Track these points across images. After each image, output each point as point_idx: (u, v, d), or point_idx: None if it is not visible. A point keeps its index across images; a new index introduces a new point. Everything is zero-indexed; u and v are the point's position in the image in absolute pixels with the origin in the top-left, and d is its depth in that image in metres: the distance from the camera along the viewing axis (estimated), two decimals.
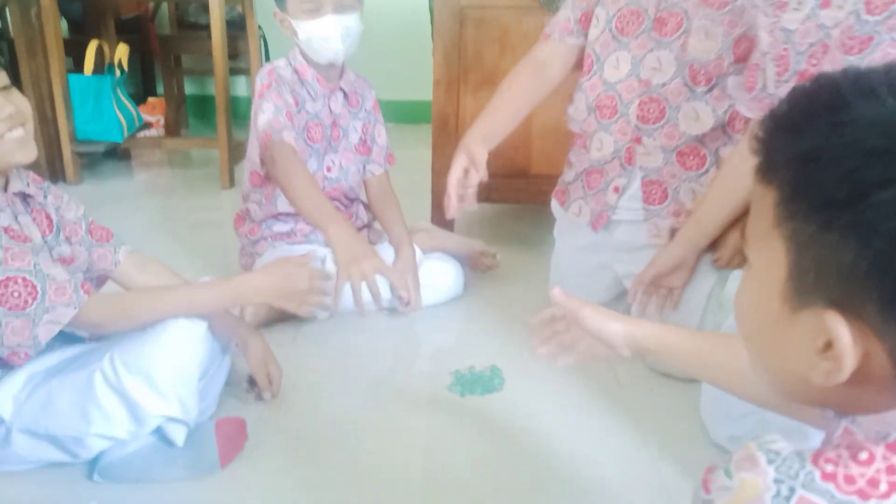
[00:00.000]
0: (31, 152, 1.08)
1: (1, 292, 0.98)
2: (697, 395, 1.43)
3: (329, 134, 1.79)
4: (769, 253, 0.47)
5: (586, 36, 1.57)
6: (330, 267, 1.66)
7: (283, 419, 1.37)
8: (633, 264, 1.58)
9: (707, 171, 1.48)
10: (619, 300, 1.71)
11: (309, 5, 1.61)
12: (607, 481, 1.22)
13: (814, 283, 0.44)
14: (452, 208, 1.50)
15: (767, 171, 0.47)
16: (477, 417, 1.39)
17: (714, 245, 1.46)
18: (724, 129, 1.46)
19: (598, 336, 0.94)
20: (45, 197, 1.18)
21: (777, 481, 0.41)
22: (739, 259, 1.57)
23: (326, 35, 1.64)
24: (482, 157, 1.48)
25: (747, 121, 1.45)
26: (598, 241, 1.61)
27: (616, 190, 1.54)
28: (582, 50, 1.59)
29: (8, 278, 0.98)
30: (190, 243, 2.26)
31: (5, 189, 1.10)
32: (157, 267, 1.32)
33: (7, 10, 2.62)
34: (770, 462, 0.42)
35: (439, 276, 1.87)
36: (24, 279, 1.00)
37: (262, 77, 1.71)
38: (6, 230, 1.04)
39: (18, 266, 1.00)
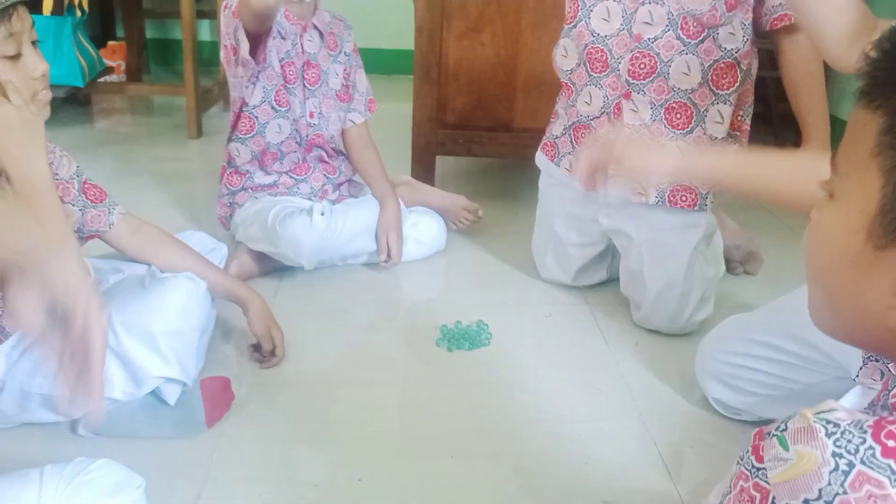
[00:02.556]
0: (47, 113, 1.03)
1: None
2: (683, 351, 1.45)
3: (303, 75, 1.71)
4: (861, 184, 0.45)
5: None
6: (318, 219, 1.62)
7: (267, 374, 1.34)
8: (618, 219, 1.57)
9: (692, 130, 1.47)
10: (604, 254, 1.71)
11: None
12: (593, 435, 1.22)
13: None
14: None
15: (876, 94, 0.44)
16: (465, 372, 1.39)
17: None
18: (710, 87, 1.45)
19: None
20: None
21: (836, 455, 0.40)
22: None
23: None
24: None
25: (734, 79, 1.44)
26: (586, 196, 1.60)
27: None
28: None
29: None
30: (156, 194, 2.19)
31: None
32: (153, 230, 1.26)
33: None
34: (829, 435, 0.40)
35: (422, 230, 1.84)
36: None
37: (226, 14, 1.58)
38: None
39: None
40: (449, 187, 2.07)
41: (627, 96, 1.48)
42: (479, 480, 1.11)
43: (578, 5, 1.51)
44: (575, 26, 1.52)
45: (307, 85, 1.72)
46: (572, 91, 1.57)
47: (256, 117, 1.69)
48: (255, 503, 1.04)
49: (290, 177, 1.77)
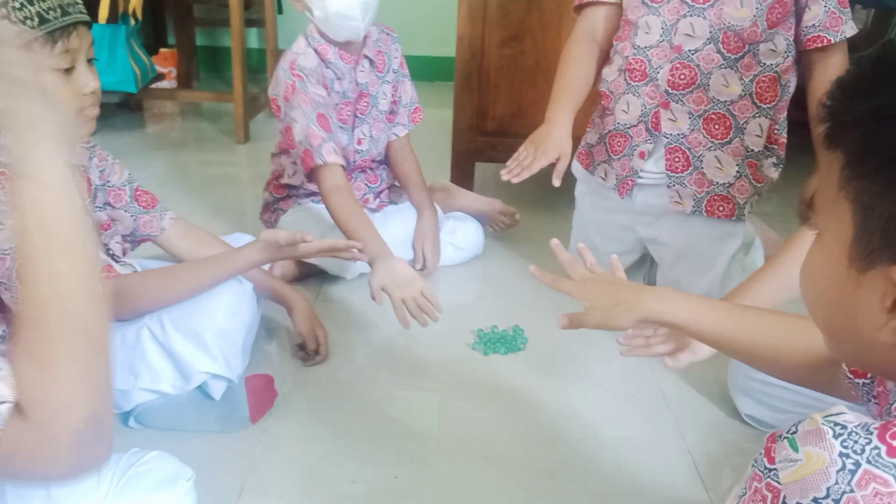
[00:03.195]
0: (92, 128, 1.09)
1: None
2: (719, 360, 1.44)
3: (356, 107, 1.74)
4: (835, 217, 0.49)
5: None
6: None
7: (308, 374, 1.39)
8: (655, 228, 1.58)
9: (730, 141, 1.47)
10: (641, 262, 1.72)
11: None
12: (627, 441, 1.24)
13: (880, 242, 0.45)
14: (515, 174, 1.46)
15: (834, 135, 0.49)
16: (500, 376, 1.41)
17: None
18: (753, 99, 1.45)
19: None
20: (90, 159, 1.17)
21: (843, 455, 0.42)
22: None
23: (345, 12, 1.53)
24: (569, 156, 1.49)
25: (775, 93, 1.44)
26: (622, 204, 1.61)
27: (642, 155, 1.54)
28: (619, 11, 1.56)
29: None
30: (204, 198, 2.26)
31: None
32: (201, 234, 1.32)
33: None
34: (836, 436, 0.43)
35: (460, 235, 1.87)
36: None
37: (284, 74, 1.62)
38: None
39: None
40: (488, 194, 2.09)
41: (666, 105, 1.49)
42: (512, 483, 1.14)
43: (631, 27, 1.52)
44: (623, 42, 1.54)
45: (358, 115, 1.75)
46: (610, 99, 1.59)
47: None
48: (295, 496, 1.08)
49: None
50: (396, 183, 1.92)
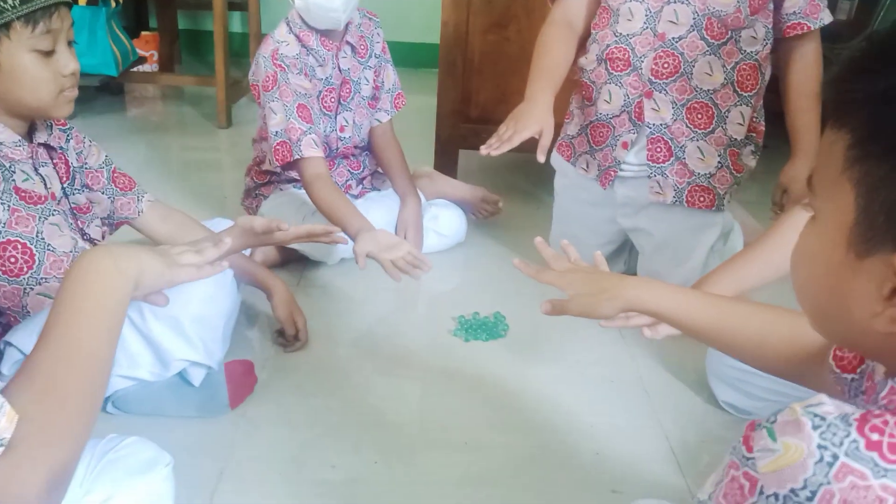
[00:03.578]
0: (70, 109, 1.08)
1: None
2: (698, 348, 1.45)
3: (339, 93, 1.73)
4: (836, 200, 0.47)
5: None
6: None
7: (288, 360, 1.38)
8: (637, 219, 1.59)
9: (713, 130, 1.47)
10: (620, 251, 1.72)
11: None
12: (606, 427, 1.24)
13: (884, 227, 0.44)
14: (494, 147, 1.41)
15: (840, 114, 0.47)
16: (480, 363, 1.41)
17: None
18: (734, 87, 1.46)
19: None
20: (68, 141, 1.16)
21: (821, 447, 0.41)
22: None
23: (326, 4, 1.53)
24: (551, 133, 1.43)
25: (756, 81, 1.45)
26: (603, 196, 1.61)
27: (625, 146, 1.54)
28: (597, 1, 1.55)
29: (8, 241, 0.98)
30: (185, 183, 2.24)
31: (30, 139, 1.08)
32: (180, 217, 1.31)
33: None
34: (815, 427, 0.42)
35: (443, 222, 1.87)
36: (23, 245, 0.99)
37: (265, 63, 1.60)
38: (17, 190, 1.03)
39: (21, 231, 0.99)
40: (471, 181, 2.09)
41: (649, 95, 1.49)
42: (492, 469, 1.14)
43: (610, 15, 1.51)
44: (602, 30, 1.53)
45: (341, 101, 1.74)
46: (592, 90, 1.58)
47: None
48: (274, 482, 1.08)
49: None
50: (379, 170, 1.91)
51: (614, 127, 1.55)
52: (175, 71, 3.51)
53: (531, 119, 1.42)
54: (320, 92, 1.69)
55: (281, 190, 1.77)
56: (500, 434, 1.22)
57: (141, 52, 3.03)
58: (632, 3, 1.46)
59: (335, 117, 1.74)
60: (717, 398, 1.29)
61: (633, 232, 1.63)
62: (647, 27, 1.46)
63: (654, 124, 1.49)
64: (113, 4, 2.70)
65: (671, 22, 1.43)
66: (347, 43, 1.71)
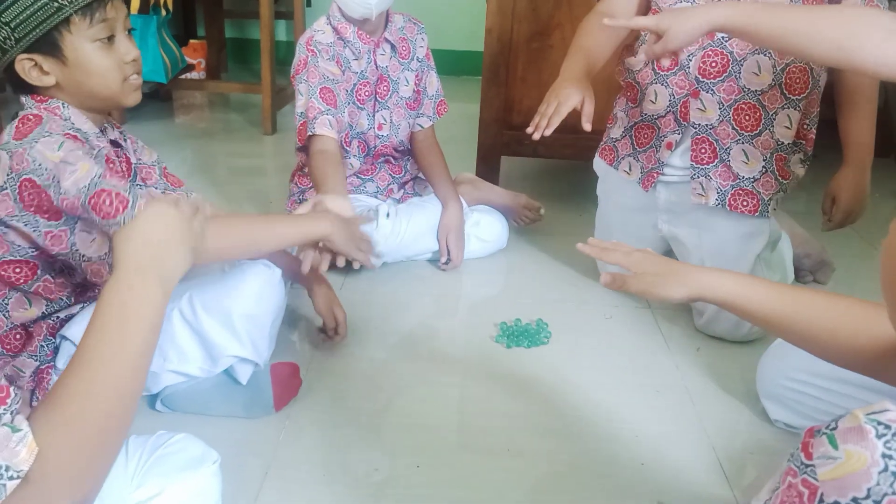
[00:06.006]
0: (138, 97, 1.12)
1: (94, 201, 0.99)
2: (746, 357, 1.43)
3: (376, 90, 1.75)
4: None
5: None
6: (383, 222, 1.67)
7: (332, 363, 1.40)
8: (679, 226, 1.57)
9: (760, 133, 1.45)
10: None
11: None
12: (651, 437, 1.23)
13: None
14: (543, 126, 1.39)
15: None
16: (522, 369, 1.41)
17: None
18: (782, 89, 1.43)
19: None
20: (125, 140, 1.20)
21: (885, 456, 0.40)
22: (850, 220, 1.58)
23: None
24: (574, 102, 1.38)
25: (806, 84, 1.42)
26: (646, 202, 1.60)
27: (669, 146, 1.52)
28: (644, 1, 1.54)
29: (102, 190, 0.99)
30: (230, 188, 2.28)
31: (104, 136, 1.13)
32: (225, 215, 1.33)
33: None
34: (879, 436, 0.41)
35: (484, 227, 1.87)
36: (117, 193, 1.00)
37: (299, 50, 1.68)
38: (108, 161, 1.08)
39: (113, 182, 1.01)
40: (513, 187, 2.09)
41: (696, 94, 1.47)
42: (534, 476, 1.14)
43: (657, 10, 1.49)
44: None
45: (378, 99, 1.77)
46: (637, 91, 1.57)
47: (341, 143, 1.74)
48: (318, 482, 1.09)
49: (357, 177, 1.83)
50: (421, 176, 1.92)
51: (659, 128, 1.53)
52: (222, 78, 3.59)
53: (572, 89, 1.38)
54: (354, 84, 1.72)
55: None
56: (543, 441, 1.21)
57: (189, 60, 3.10)
58: (682, 2, 1.45)
59: (373, 115, 1.76)
60: (770, 417, 1.26)
61: (674, 241, 1.61)
62: None
63: (699, 124, 1.48)
64: (163, 13, 2.78)
65: None
66: (386, 41, 1.74)
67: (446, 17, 3.56)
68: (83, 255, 1.08)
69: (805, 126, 1.50)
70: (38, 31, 0.99)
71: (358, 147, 1.78)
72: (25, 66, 1.01)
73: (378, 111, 1.77)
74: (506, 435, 1.22)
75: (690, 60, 1.45)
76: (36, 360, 1.09)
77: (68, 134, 1.02)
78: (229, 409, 1.20)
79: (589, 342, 1.51)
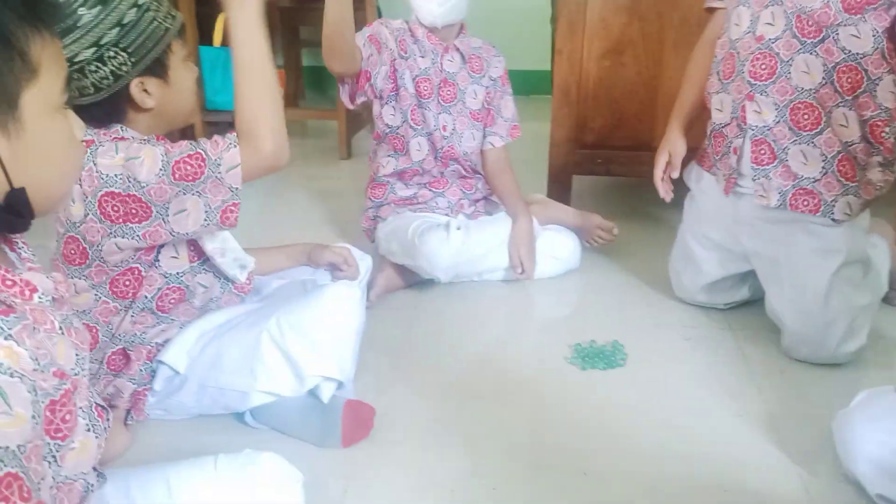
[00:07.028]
0: (196, 114, 1.20)
1: (178, 175, 1.04)
2: (833, 381, 1.38)
3: (438, 92, 1.80)
4: None
5: None
6: (454, 234, 1.70)
7: (408, 384, 1.42)
8: (758, 241, 1.53)
9: (821, 132, 1.41)
10: (744, 278, 1.66)
11: None
12: (732, 462, 1.19)
13: None
14: (666, 193, 1.69)
15: None
16: (598, 392, 1.40)
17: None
18: (835, 87, 1.39)
19: None
20: None
21: None
22: None
23: (424, 2, 1.68)
24: (682, 151, 1.68)
25: (855, 84, 1.37)
26: (731, 212, 1.57)
27: (735, 151, 1.51)
28: None
29: (176, 162, 1.05)
30: (308, 210, 2.35)
31: None
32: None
33: None
34: None
35: (557, 246, 1.87)
36: (188, 157, 1.05)
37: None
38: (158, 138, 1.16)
39: (180, 150, 1.06)
40: (585, 206, 2.08)
41: (751, 98, 1.45)
42: (612, 499, 1.12)
43: (727, 23, 1.51)
44: (720, 37, 1.54)
45: (442, 101, 1.81)
46: (709, 99, 1.58)
47: (401, 136, 1.80)
48: (397, 503, 1.11)
49: (429, 189, 1.86)
50: (493, 197, 1.94)
51: (726, 135, 1.53)
52: (299, 105, 3.71)
53: (662, 149, 1.70)
54: (415, 76, 1.77)
55: (397, 213, 1.84)
56: (620, 463, 1.20)
57: None
58: (740, 7, 1.47)
59: (437, 116, 1.80)
60: (868, 491, 1.09)
61: (755, 257, 1.57)
62: (749, 30, 1.45)
63: (755, 126, 1.46)
64: None
65: (768, 24, 1.41)
66: (456, 49, 1.79)
67: (514, 38, 3.58)
68: (185, 234, 1.12)
69: (883, 134, 1.43)
70: (153, 54, 1.08)
71: (427, 146, 1.81)
72: (137, 89, 1.09)
73: (441, 113, 1.81)
74: (582, 457, 1.21)
75: (744, 65, 1.45)
76: (134, 384, 1.16)
77: (115, 137, 1.09)
78: (304, 433, 1.23)
79: (666, 364, 1.48)
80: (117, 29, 1.04)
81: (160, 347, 1.18)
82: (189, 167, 1.04)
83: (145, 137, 1.13)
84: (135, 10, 1.06)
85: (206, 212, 1.08)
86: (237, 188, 1.07)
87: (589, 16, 1.98)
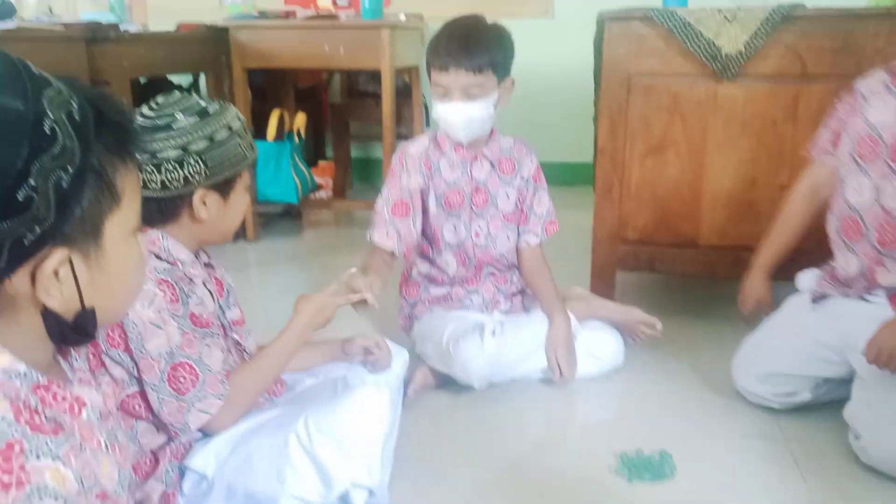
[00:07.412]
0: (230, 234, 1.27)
1: (171, 374, 1.08)
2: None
3: (471, 200, 1.80)
4: None
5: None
6: (488, 341, 1.67)
7: (440, 487, 1.37)
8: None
9: None
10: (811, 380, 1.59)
11: (439, 90, 1.65)
12: None
13: None
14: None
15: None
16: None
17: None
18: None
19: None
20: (218, 268, 1.29)
21: None
22: None
23: (449, 120, 1.68)
24: (768, 300, 1.71)
25: None
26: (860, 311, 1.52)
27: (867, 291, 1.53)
28: None
29: (179, 363, 1.08)
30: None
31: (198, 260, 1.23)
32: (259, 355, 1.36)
33: (203, 79, 2.92)
34: None
35: (598, 344, 1.81)
36: (190, 366, 1.09)
37: (394, 158, 1.79)
38: (192, 317, 1.14)
39: (188, 353, 1.10)
40: (628, 301, 2.03)
41: (880, 263, 1.48)
42: None
43: (839, 178, 1.56)
44: (836, 197, 1.57)
45: (475, 208, 1.80)
46: (834, 249, 1.59)
47: (432, 247, 1.82)
48: None
49: (463, 287, 1.85)
50: (528, 291, 1.92)
51: (853, 285, 1.54)
52: (347, 196, 3.80)
53: (748, 297, 1.74)
54: (444, 192, 1.77)
55: (431, 312, 1.83)
56: None
57: (318, 180, 3.32)
58: (859, 176, 1.50)
59: (469, 224, 1.79)
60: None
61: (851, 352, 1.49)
62: (875, 201, 1.47)
63: (887, 286, 1.48)
64: (296, 140, 3.02)
65: (893, 196, 1.45)
66: (485, 156, 1.78)
67: (557, 130, 3.65)
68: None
69: None
70: (226, 173, 1.15)
71: (456, 258, 1.81)
72: (199, 199, 1.14)
73: (474, 220, 1.81)
74: None
75: (871, 232, 1.48)
76: (162, 484, 1.14)
77: (161, 280, 1.10)
78: None
79: (718, 477, 1.40)
80: (207, 142, 1.11)
81: (187, 448, 1.18)
82: (183, 379, 1.10)
83: (191, 278, 1.17)
84: (227, 131, 1.14)
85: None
86: (191, 428, 1.12)
87: (630, 115, 1.99)
